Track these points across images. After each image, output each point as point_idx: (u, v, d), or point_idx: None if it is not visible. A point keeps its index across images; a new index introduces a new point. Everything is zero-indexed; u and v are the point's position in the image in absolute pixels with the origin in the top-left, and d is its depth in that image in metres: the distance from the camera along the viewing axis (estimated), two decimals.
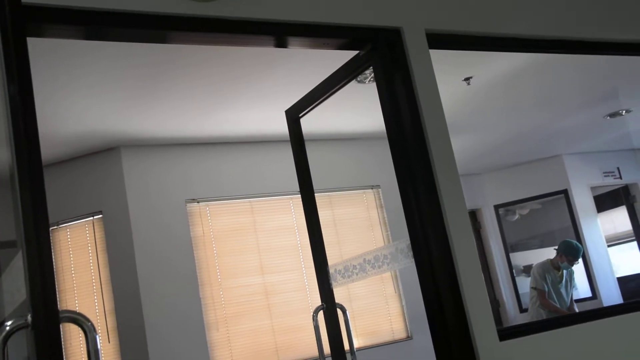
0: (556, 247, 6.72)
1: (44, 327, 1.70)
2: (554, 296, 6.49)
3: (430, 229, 2.65)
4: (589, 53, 3.50)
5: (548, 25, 3.27)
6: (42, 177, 1.88)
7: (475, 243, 2.74)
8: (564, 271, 6.57)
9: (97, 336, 1.81)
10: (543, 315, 6.42)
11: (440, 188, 2.68)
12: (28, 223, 1.81)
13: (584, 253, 8.04)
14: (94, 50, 3.67)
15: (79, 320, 1.84)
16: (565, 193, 8.27)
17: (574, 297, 6.78)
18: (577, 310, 6.68)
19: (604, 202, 8.94)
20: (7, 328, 1.74)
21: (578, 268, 7.95)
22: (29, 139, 1.91)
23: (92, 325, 1.81)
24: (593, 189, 8.51)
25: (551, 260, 6.63)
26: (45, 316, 1.71)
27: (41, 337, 1.70)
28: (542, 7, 3.29)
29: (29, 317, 1.72)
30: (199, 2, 2.44)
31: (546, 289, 6.48)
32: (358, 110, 5.48)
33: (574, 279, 6.72)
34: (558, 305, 6.46)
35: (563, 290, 6.54)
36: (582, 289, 8.02)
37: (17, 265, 1.88)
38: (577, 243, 6.79)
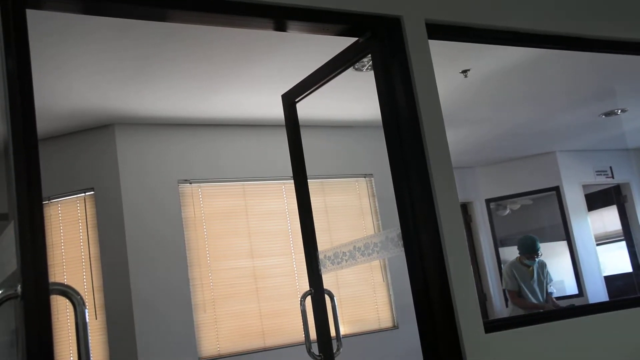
0: None
1: (34, 297, 1.71)
2: (528, 293, 6.42)
3: (421, 220, 2.65)
4: (589, 50, 3.50)
5: (549, 21, 3.27)
6: (37, 152, 1.88)
7: (465, 235, 2.75)
8: (534, 266, 6.50)
9: (86, 310, 1.82)
10: (521, 313, 6.37)
11: (433, 179, 2.69)
12: (21, 196, 1.81)
13: (572, 251, 8.07)
14: (93, 27, 3.66)
15: (69, 292, 1.85)
16: (557, 190, 8.29)
17: (556, 294, 6.73)
18: (556, 303, 6.66)
19: (595, 200, 8.96)
20: None
21: (566, 266, 8.00)
22: (25, 113, 1.90)
23: (82, 298, 1.82)
24: (585, 187, 8.53)
25: (519, 258, 6.61)
26: (36, 287, 1.72)
27: (31, 307, 1.70)
28: (544, 2, 3.29)
29: (19, 288, 1.72)
30: None
31: (516, 289, 6.44)
32: (354, 98, 5.47)
33: (547, 272, 6.62)
34: (533, 300, 6.41)
35: (536, 286, 6.45)
36: (568, 285, 8.07)
37: (8, 236, 1.88)
38: (531, 236, 6.63)
